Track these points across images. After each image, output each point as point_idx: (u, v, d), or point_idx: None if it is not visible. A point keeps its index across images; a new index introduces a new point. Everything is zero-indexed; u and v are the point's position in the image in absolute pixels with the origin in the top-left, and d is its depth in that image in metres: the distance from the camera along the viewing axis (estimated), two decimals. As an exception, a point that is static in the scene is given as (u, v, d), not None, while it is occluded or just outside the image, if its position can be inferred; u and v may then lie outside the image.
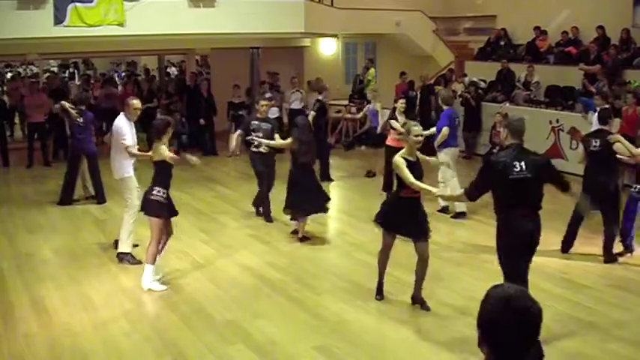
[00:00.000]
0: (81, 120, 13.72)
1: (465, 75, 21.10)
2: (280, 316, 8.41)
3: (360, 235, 11.76)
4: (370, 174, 16.87)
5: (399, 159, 8.24)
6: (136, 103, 10.57)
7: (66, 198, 14.08)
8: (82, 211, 13.61)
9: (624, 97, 15.78)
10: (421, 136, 8.40)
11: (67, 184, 14.15)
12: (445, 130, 12.82)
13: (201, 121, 19.93)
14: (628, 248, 10.49)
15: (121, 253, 10.42)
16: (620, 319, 8.22)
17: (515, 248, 7.13)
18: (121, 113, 10.55)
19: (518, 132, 7.27)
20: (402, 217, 8.34)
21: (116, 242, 10.72)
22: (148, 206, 9.16)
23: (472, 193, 7.47)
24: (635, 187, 10.38)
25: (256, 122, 12.50)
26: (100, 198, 14.07)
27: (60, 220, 12.97)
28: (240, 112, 20.23)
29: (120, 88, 24.98)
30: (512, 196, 7.05)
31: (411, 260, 8.53)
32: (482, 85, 20.45)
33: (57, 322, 8.26)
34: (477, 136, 19.54)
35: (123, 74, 31.01)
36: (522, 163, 6.97)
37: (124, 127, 10.31)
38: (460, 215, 12.96)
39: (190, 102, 20.51)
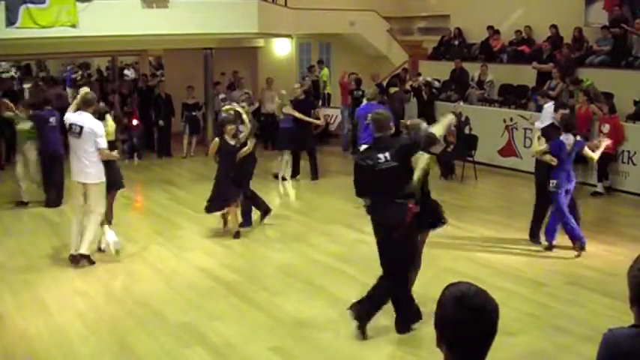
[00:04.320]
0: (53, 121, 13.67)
1: (420, 74, 21.24)
2: (236, 317, 8.45)
3: (315, 236, 11.85)
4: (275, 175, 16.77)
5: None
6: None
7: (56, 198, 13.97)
8: (35, 214, 13.48)
9: (576, 96, 16.04)
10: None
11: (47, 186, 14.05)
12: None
13: (161, 122, 19.86)
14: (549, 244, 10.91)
15: (82, 255, 10.26)
16: (575, 315, 8.38)
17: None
18: (85, 113, 10.12)
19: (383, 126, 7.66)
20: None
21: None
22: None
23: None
24: (552, 183, 10.53)
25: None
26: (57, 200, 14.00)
27: (13, 224, 12.85)
28: (194, 113, 20.20)
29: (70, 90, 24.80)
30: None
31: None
32: (437, 84, 20.60)
33: (11, 327, 8.21)
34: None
35: (72, 76, 30.64)
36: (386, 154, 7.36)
37: (99, 127, 10.22)
38: None
39: (143, 103, 20.43)
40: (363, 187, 7.71)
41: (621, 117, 15.27)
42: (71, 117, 10.20)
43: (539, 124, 13.29)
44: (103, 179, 10.29)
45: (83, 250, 10.25)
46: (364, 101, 14.01)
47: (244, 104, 13.02)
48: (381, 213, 7.59)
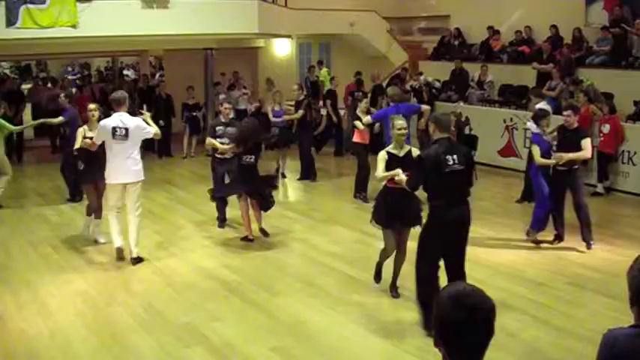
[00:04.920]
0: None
1: (421, 73, 21.25)
2: (237, 317, 8.45)
3: (316, 236, 11.86)
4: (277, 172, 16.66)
5: (381, 153, 8.49)
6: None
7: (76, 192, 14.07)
8: (36, 214, 13.49)
9: (576, 96, 16.04)
10: (404, 129, 8.58)
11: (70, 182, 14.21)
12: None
13: (161, 122, 19.86)
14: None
15: (139, 257, 10.49)
16: (575, 315, 8.38)
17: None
18: (122, 114, 10.13)
19: (446, 126, 7.74)
20: (396, 209, 8.47)
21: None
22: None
23: (411, 185, 7.88)
24: None
25: (221, 127, 12.00)
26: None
27: (13, 224, 12.86)
28: (195, 114, 20.20)
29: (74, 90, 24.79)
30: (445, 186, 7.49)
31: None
32: (437, 85, 20.61)
33: (11, 327, 8.21)
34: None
35: (72, 77, 30.71)
36: (454, 156, 7.45)
37: (140, 121, 10.39)
38: None
39: (143, 104, 20.41)
40: (435, 187, 7.61)
41: (621, 117, 15.27)
42: (110, 122, 10.12)
43: (532, 125, 13.36)
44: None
45: (137, 252, 10.45)
46: (384, 104, 13.92)
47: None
48: (459, 210, 7.63)
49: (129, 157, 10.13)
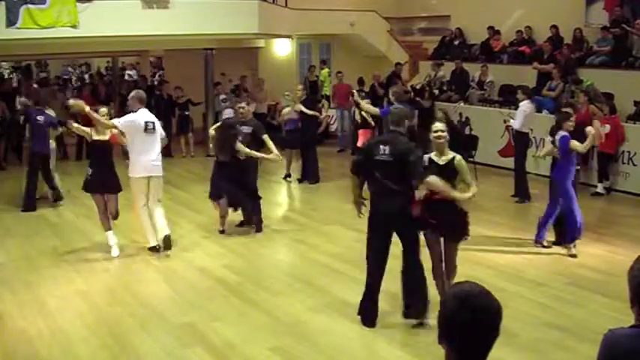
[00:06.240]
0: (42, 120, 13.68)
1: (442, 64, 21.25)
2: (236, 317, 8.45)
3: (315, 236, 11.86)
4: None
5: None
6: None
7: (30, 204, 13.79)
8: (36, 215, 13.48)
9: (577, 96, 16.03)
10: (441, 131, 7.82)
11: (29, 189, 13.91)
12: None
13: (161, 122, 19.88)
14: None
15: (169, 235, 10.86)
16: (575, 316, 8.38)
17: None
18: (145, 110, 10.67)
19: (395, 121, 7.99)
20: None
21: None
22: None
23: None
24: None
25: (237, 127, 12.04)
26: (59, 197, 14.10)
27: (13, 224, 12.85)
28: (187, 113, 20.28)
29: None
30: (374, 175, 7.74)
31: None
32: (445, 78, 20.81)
33: (11, 327, 8.21)
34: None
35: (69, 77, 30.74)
36: (387, 147, 7.64)
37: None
38: None
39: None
40: (368, 174, 7.93)
41: (621, 117, 15.27)
42: (140, 117, 10.52)
43: (516, 123, 13.52)
44: None
45: (168, 231, 10.84)
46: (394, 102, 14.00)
47: (244, 104, 12.99)
48: (388, 201, 7.74)
49: (155, 151, 10.61)
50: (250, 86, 22.70)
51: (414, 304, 8.00)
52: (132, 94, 10.98)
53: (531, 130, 14.81)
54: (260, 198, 12.11)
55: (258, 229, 12.06)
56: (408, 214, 7.70)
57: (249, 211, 12.17)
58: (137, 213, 10.88)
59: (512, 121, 14.35)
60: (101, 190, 10.77)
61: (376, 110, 13.94)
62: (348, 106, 19.92)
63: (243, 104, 12.81)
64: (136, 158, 10.52)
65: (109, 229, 10.86)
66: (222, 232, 12.06)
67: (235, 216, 12.36)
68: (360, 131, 15.37)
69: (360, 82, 20.42)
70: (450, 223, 7.85)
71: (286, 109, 16.58)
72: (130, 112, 10.68)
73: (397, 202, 7.64)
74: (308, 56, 26.00)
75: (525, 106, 14.04)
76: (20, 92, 20.72)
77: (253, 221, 12.17)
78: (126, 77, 29.65)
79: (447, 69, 21.27)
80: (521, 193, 14.17)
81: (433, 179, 7.63)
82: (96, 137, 10.77)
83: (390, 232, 7.86)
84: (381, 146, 7.67)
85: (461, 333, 2.73)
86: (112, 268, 10.34)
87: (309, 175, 16.44)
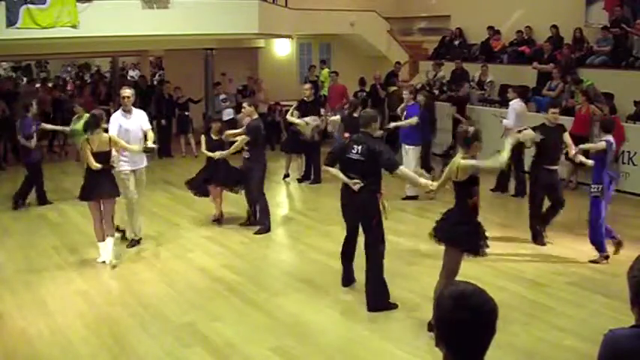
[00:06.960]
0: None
1: (442, 63, 21.20)
2: (236, 317, 8.46)
3: (315, 236, 11.86)
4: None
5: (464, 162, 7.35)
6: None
7: (44, 197, 14.19)
8: (36, 214, 13.49)
9: (577, 96, 16.04)
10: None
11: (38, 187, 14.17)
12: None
13: (163, 122, 19.92)
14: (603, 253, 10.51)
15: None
16: (575, 316, 8.38)
17: None
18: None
19: (362, 123, 8.63)
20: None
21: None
22: None
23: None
24: (596, 188, 10.39)
25: None
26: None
27: (13, 224, 12.85)
28: (187, 113, 20.28)
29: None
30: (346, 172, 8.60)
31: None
32: (443, 77, 20.78)
33: (11, 327, 8.21)
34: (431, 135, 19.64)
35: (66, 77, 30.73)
36: (359, 147, 8.35)
37: None
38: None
39: (143, 104, 20.42)
40: (342, 171, 8.87)
41: (621, 117, 15.25)
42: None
43: (507, 122, 13.57)
44: None
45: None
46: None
47: (245, 104, 12.98)
48: (355, 196, 8.68)
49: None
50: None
51: (369, 294, 8.54)
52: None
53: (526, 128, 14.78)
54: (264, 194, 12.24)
55: (260, 231, 12.05)
56: (372, 207, 8.45)
57: (254, 209, 12.34)
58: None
59: (505, 120, 14.39)
60: (97, 198, 10.31)
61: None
62: (341, 107, 19.90)
63: (244, 104, 12.80)
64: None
65: (102, 240, 10.40)
66: (216, 221, 12.44)
67: (238, 212, 12.35)
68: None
69: (362, 82, 20.43)
70: (441, 229, 7.67)
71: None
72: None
73: (363, 196, 8.42)
74: (308, 56, 26.01)
75: (516, 104, 14.16)
76: (20, 93, 20.74)
77: (259, 221, 12.22)
78: (128, 77, 29.68)
79: (447, 69, 21.25)
80: (504, 188, 14.93)
81: (403, 170, 8.53)
82: (97, 150, 10.19)
83: (356, 223, 8.86)
84: (355, 146, 8.40)
85: (457, 332, 2.73)
86: (111, 268, 10.33)
87: (311, 175, 16.43)
